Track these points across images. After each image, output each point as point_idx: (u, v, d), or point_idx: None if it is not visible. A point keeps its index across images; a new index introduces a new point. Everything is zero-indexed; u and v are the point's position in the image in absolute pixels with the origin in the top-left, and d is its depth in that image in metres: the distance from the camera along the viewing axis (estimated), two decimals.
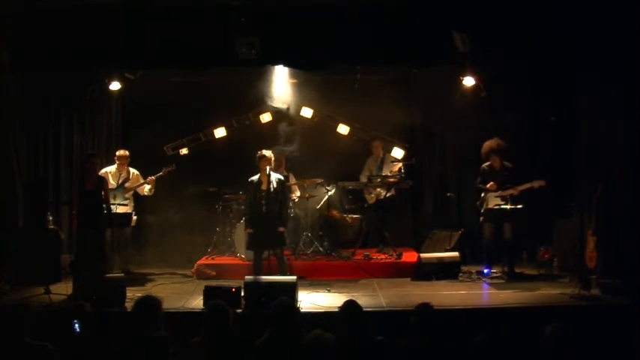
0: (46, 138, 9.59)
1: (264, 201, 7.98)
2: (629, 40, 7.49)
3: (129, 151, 9.20)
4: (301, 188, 9.99)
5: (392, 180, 9.54)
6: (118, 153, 9.05)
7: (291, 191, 9.66)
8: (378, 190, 9.82)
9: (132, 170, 9.10)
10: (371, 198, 10.01)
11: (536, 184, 8.50)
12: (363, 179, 9.99)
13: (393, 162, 9.84)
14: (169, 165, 9.15)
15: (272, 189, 8.01)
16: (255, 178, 8.13)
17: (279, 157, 9.51)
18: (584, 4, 7.77)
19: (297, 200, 9.91)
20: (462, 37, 7.79)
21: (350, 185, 10.20)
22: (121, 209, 8.71)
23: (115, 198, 8.71)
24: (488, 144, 8.83)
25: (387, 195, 9.71)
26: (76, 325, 4.79)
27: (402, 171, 9.55)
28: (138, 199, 9.23)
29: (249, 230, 8.13)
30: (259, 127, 10.19)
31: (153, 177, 9.03)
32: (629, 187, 7.72)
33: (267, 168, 8.00)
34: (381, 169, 9.94)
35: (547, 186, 8.56)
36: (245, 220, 8.44)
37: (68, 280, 7.78)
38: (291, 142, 9.89)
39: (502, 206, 8.64)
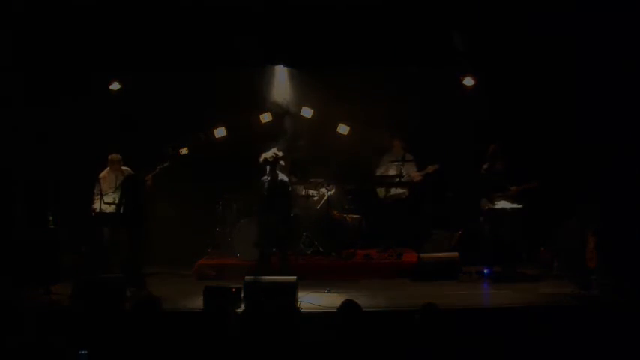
0: (45, 137, 9.58)
1: (272, 201, 8.06)
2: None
3: (129, 151, 9.20)
4: (301, 188, 9.99)
5: (395, 180, 9.65)
6: (110, 157, 9.04)
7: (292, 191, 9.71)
8: (396, 189, 9.89)
9: (125, 169, 9.10)
10: (380, 191, 10.04)
11: (532, 184, 8.59)
12: (379, 173, 10.06)
13: (409, 161, 9.87)
14: (163, 162, 9.15)
15: (278, 189, 8.10)
16: (265, 178, 8.22)
17: (284, 159, 9.57)
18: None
19: (297, 200, 9.92)
20: (462, 37, 7.82)
21: (350, 186, 10.23)
22: (118, 210, 8.72)
23: (115, 200, 8.72)
24: (494, 147, 8.89)
25: (397, 193, 9.83)
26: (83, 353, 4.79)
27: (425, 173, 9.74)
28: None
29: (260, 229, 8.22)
30: (259, 127, 10.18)
31: (150, 176, 9.06)
32: (629, 186, 7.73)
33: (275, 168, 8.10)
34: (400, 168, 9.94)
35: (546, 186, 8.60)
36: (258, 220, 8.48)
37: (68, 280, 7.80)
38: (291, 142, 9.89)
39: (502, 206, 8.67)
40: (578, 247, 8.20)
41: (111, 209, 8.68)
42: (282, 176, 8.29)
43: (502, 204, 8.71)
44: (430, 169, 9.78)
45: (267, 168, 8.22)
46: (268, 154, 8.18)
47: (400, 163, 9.84)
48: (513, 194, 8.72)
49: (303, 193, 9.97)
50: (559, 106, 9.39)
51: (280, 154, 8.29)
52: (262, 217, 8.28)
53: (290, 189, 8.43)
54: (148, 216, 8.45)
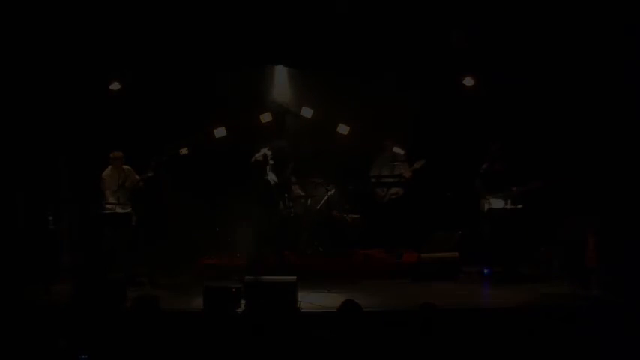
0: (45, 137, 9.58)
1: (268, 200, 8.08)
2: None
3: (129, 151, 9.19)
4: (301, 188, 9.99)
5: (391, 180, 9.62)
6: (112, 155, 9.02)
7: (291, 191, 9.70)
8: (392, 189, 9.88)
9: (125, 167, 9.09)
10: (378, 192, 10.05)
11: (534, 184, 8.58)
12: (372, 174, 10.06)
13: (403, 161, 9.86)
14: (161, 157, 9.14)
15: (272, 189, 8.11)
16: (265, 177, 8.26)
17: (287, 161, 9.58)
18: None
19: (297, 200, 9.92)
20: (462, 36, 7.83)
21: (350, 186, 10.23)
22: (121, 209, 8.73)
23: (118, 199, 8.72)
24: (493, 146, 8.90)
25: (393, 194, 9.82)
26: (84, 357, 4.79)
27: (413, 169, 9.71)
28: (138, 199, 9.22)
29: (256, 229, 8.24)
30: (259, 127, 10.18)
31: (150, 174, 9.06)
32: (629, 185, 7.74)
33: (267, 168, 8.10)
34: (393, 167, 9.95)
35: (546, 186, 8.60)
36: (253, 219, 8.49)
37: (68, 280, 7.80)
38: (290, 141, 9.89)
39: (502, 206, 8.66)
40: (578, 246, 8.20)
41: (114, 209, 8.67)
42: (271, 176, 8.28)
43: (497, 203, 8.70)
44: (417, 164, 9.78)
45: (264, 168, 8.23)
46: (259, 155, 8.22)
47: (398, 163, 9.85)
48: (515, 194, 8.70)
49: (303, 193, 9.96)
50: (559, 106, 9.40)
51: (269, 153, 8.31)
52: (258, 216, 8.27)
53: (283, 187, 8.42)
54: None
